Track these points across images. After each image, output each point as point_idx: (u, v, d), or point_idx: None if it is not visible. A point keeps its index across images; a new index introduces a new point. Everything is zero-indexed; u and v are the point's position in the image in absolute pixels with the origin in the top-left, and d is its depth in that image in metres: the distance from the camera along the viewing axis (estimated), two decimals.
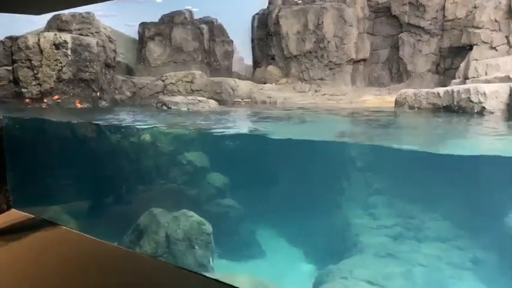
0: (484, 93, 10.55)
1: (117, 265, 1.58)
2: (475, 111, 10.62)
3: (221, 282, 1.35)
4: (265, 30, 22.60)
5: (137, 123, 12.10)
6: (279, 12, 21.42)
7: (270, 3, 22.69)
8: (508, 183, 8.17)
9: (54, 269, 1.54)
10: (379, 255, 8.86)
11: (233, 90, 19.76)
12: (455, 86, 12.31)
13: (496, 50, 15.47)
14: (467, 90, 10.90)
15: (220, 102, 18.34)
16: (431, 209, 9.35)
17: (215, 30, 24.03)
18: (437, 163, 8.60)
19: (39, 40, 15.35)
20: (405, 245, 9.07)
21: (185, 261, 8.85)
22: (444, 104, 11.65)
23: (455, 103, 11.20)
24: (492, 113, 10.41)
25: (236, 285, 1.36)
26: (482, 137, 9.08)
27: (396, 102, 13.69)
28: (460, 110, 11.06)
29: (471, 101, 10.73)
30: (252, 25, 23.76)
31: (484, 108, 10.50)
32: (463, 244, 8.79)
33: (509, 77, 11.78)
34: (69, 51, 15.47)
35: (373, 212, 10.13)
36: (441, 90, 12.20)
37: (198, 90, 19.54)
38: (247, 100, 19.86)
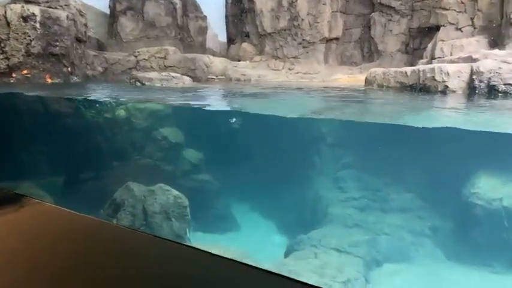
0: (447, 73, 11.09)
1: (96, 236, 1.54)
2: (439, 89, 11.18)
3: (200, 249, 1.35)
4: (239, 6, 22.49)
5: (112, 98, 12.08)
6: None
7: None
8: (465, 155, 8.78)
9: (30, 244, 1.48)
10: (346, 225, 9.41)
11: (207, 67, 19.77)
12: (421, 66, 12.84)
13: (462, 31, 16.09)
14: (432, 70, 11.42)
15: (194, 79, 18.34)
16: (395, 181, 9.93)
17: (188, 6, 23.72)
18: (401, 136, 9.11)
19: (5, 12, 14.84)
20: (371, 216, 9.65)
21: (162, 233, 9.13)
22: (410, 83, 12.16)
23: (420, 82, 11.73)
24: (454, 91, 10.99)
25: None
26: (442, 112, 9.64)
27: (366, 80, 14.14)
28: (425, 89, 11.60)
29: (435, 80, 11.27)
30: (226, 1, 23.57)
31: (447, 87, 11.06)
32: (423, 214, 9.44)
33: (471, 57, 12.36)
34: (37, 25, 15.05)
35: (342, 185, 10.65)
36: (408, 69, 12.70)
37: (171, 67, 19.44)
38: (221, 77, 19.92)
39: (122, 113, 11.32)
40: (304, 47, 20.95)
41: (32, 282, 1.29)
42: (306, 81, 19.37)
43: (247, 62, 21.51)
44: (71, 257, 1.41)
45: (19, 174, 10.49)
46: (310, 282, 1.09)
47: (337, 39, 21.73)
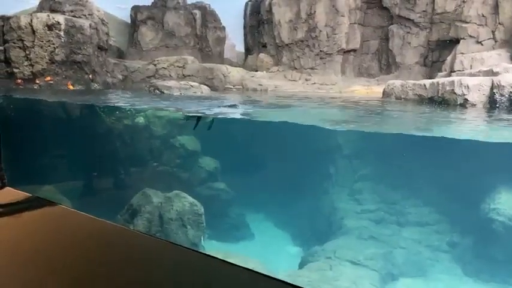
0: (467, 86, 10.97)
1: (114, 241, 1.56)
2: (458, 103, 11.06)
3: (215, 257, 1.35)
4: (257, 17, 22.71)
5: (134, 105, 12.28)
6: (271, 0, 21.54)
7: None
8: (484, 170, 8.64)
9: (50, 246, 1.51)
10: (362, 238, 9.32)
11: (225, 76, 19.96)
12: (440, 79, 12.74)
13: (482, 44, 15.92)
14: (452, 83, 11.32)
15: (212, 88, 18.53)
16: (413, 194, 9.81)
17: (208, 16, 24.05)
18: (421, 149, 9.03)
19: (31, 20, 15.30)
20: (387, 229, 9.55)
21: (177, 240, 9.19)
22: (429, 96, 12.06)
23: (439, 95, 11.62)
24: (474, 105, 10.86)
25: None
26: (464, 125, 9.52)
27: (384, 92, 14.08)
28: (443, 102, 11.49)
29: (455, 93, 11.16)
30: (245, 12, 23.83)
31: (466, 100, 10.94)
32: (441, 228, 9.29)
33: (492, 70, 12.21)
34: (62, 33, 15.47)
35: (357, 197, 10.57)
36: (427, 82, 12.60)
37: (189, 76, 19.69)
38: (238, 87, 20.08)
39: (140, 120, 11.51)
40: (321, 58, 20.99)
41: (50, 284, 1.33)
42: (322, 92, 19.37)
43: (264, 72, 21.63)
44: (88, 260, 1.43)
45: (40, 178, 10.71)
46: None
47: (354, 50, 21.71)
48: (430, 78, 16.00)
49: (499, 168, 8.61)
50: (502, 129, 8.88)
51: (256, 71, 21.69)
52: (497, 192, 8.74)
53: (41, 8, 16.78)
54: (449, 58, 16.66)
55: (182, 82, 15.90)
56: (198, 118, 9.82)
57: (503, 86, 10.52)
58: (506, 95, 10.43)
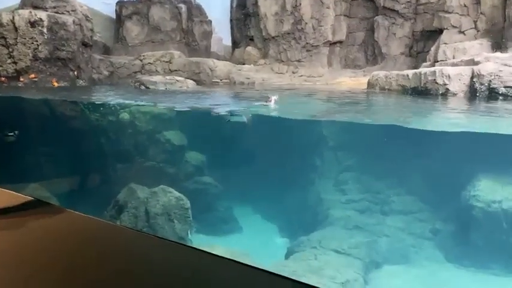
0: (449, 76, 11.14)
1: (104, 238, 1.58)
2: (440, 92, 11.22)
3: (200, 249, 1.38)
4: (244, 10, 22.68)
5: (116, 101, 12.28)
6: None
7: None
8: (465, 158, 8.82)
9: (40, 244, 1.53)
10: (346, 227, 9.48)
11: (211, 70, 19.95)
12: (423, 69, 12.89)
13: (465, 34, 16.11)
14: (433, 73, 11.47)
15: (199, 82, 18.52)
16: (396, 184, 9.98)
17: (193, 10, 23.95)
18: (402, 139, 9.17)
19: (13, 17, 15.12)
20: (372, 218, 9.71)
21: (164, 235, 9.26)
22: (412, 86, 12.22)
23: (422, 85, 11.78)
24: (455, 94, 11.03)
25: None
26: (444, 114, 9.69)
27: (368, 83, 14.22)
28: (426, 92, 11.65)
29: (436, 83, 11.32)
30: (231, 5, 23.77)
31: (448, 90, 11.11)
32: (423, 216, 9.48)
33: (473, 60, 12.39)
34: (45, 30, 15.31)
35: (343, 187, 10.72)
36: (410, 72, 12.76)
37: (176, 70, 19.64)
38: (225, 81, 20.09)
39: (125, 116, 11.50)
40: (307, 51, 21.06)
41: (44, 284, 1.35)
42: (309, 84, 19.46)
43: (252, 65, 21.65)
44: (80, 257, 1.45)
45: (25, 177, 10.69)
46: (310, 283, 1.10)
47: (340, 42, 21.82)
48: (416, 68, 16.16)
49: (478, 157, 8.79)
50: (479, 118, 9.06)
51: (244, 64, 21.70)
52: (477, 179, 8.93)
53: (23, 5, 16.59)
54: (433, 48, 16.83)
55: (168, 77, 15.89)
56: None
57: (483, 75, 10.70)
58: (486, 84, 10.62)
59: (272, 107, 10.66)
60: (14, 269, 1.35)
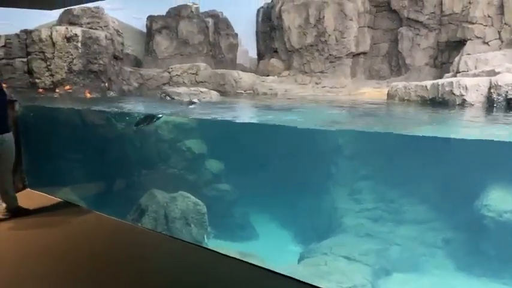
0: (466, 87, 11.16)
1: (126, 238, 1.87)
2: (457, 103, 11.24)
3: (217, 252, 1.68)
4: (268, 23, 23.22)
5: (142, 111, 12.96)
6: (281, 6, 22.01)
7: None
8: (478, 167, 8.84)
9: (69, 243, 1.65)
10: (358, 235, 9.64)
11: (236, 82, 20.53)
12: (441, 80, 12.92)
13: (489, 45, 15.95)
14: (450, 84, 11.51)
15: (224, 93, 19.12)
16: (409, 193, 10.06)
17: (220, 24, 24.72)
18: (415, 148, 9.29)
19: (51, 33, 16.27)
20: (384, 227, 9.83)
21: (182, 238, 9.73)
22: (430, 97, 12.27)
23: (439, 95, 11.82)
24: (472, 105, 11.03)
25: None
26: (460, 124, 9.74)
27: (388, 94, 14.34)
28: (444, 102, 11.69)
29: (453, 94, 11.35)
30: (257, 18, 24.38)
31: (465, 100, 11.12)
32: (435, 225, 9.51)
33: (494, 71, 12.32)
34: (79, 44, 16.37)
35: (357, 196, 10.88)
36: (428, 83, 12.81)
37: (202, 82, 20.35)
38: (249, 92, 20.61)
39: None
40: (331, 62, 21.30)
41: (72, 280, 1.60)
42: (331, 94, 19.68)
43: (275, 76, 22.09)
44: (104, 255, 1.71)
45: (57, 181, 11.45)
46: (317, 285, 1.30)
47: (364, 53, 21.91)
48: (439, 79, 16.10)
49: (491, 166, 8.79)
50: (495, 128, 9.06)
51: (268, 75, 22.17)
52: (489, 189, 8.91)
53: (60, 21, 17.77)
54: (456, 59, 16.72)
55: (192, 88, 16.55)
56: (152, 117, 10.53)
57: (500, 86, 10.66)
58: (503, 95, 10.58)
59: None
60: (47, 265, 1.65)
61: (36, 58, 16.41)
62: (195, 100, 12.28)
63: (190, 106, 12.11)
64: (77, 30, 16.47)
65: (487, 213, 8.58)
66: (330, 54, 21.06)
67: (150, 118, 10.87)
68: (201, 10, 24.74)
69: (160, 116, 11.17)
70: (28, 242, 1.93)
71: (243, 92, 20.46)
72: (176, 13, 24.10)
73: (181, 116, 11.24)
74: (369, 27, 21.94)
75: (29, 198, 2.44)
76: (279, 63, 22.57)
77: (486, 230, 8.58)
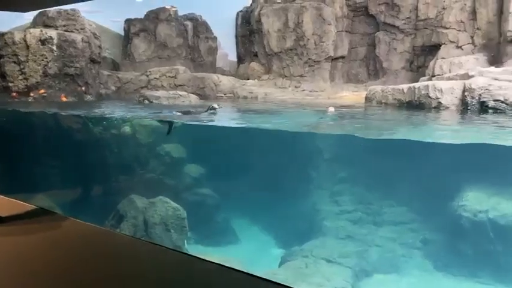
0: (441, 90, 11.41)
1: (104, 244, 1.66)
2: (433, 106, 11.49)
3: (197, 257, 1.49)
4: (248, 27, 23.27)
5: (119, 115, 12.77)
6: (260, 10, 22.10)
7: (252, 1, 23.35)
8: (454, 169, 9.04)
9: (43, 251, 1.59)
10: (339, 237, 9.70)
11: (216, 85, 20.46)
12: (417, 83, 13.19)
13: (462, 49, 16.39)
14: (426, 87, 11.76)
15: (203, 97, 19.01)
16: (388, 195, 10.20)
17: (199, 27, 24.64)
18: (393, 151, 9.43)
19: (25, 36, 15.86)
20: (363, 228, 9.92)
21: (162, 244, 9.58)
22: (407, 100, 12.50)
23: (416, 98, 12.06)
24: (447, 108, 11.28)
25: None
26: (434, 127, 9.94)
27: (366, 98, 14.53)
28: (420, 105, 11.92)
29: (429, 97, 11.60)
30: (236, 22, 24.39)
31: (440, 103, 11.37)
32: (414, 226, 9.67)
33: (468, 74, 12.65)
34: (54, 47, 16.01)
35: (337, 199, 10.95)
36: (405, 86, 13.05)
37: (181, 85, 20.18)
38: (229, 95, 20.56)
39: (127, 129, 11.97)
40: (310, 66, 21.49)
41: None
42: (310, 98, 19.83)
43: (255, 80, 22.13)
44: (80, 261, 1.58)
45: (30, 187, 11.13)
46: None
47: (343, 57, 22.22)
48: (416, 82, 16.44)
49: (466, 167, 8.99)
50: (468, 130, 9.29)
51: (248, 79, 22.20)
52: (464, 190, 9.12)
53: (34, 24, 17.36)
54: (431, 63, 17.12)
55: (171, 92, 16.40)
56: (170, 123, 10.34)
57: (474, 89, 10.95)
58: (477, 97, 10.86)
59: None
60: (17, 274, 1.57)
61: (10, 61, 15.95)
62: (215, 105, 12.12)
63: (210, 111, 11.97)
64: (52, 33, 16.11)
65: (463, 213, 8.78)
66: (309, 58, 21.25)
67: (170, 124, 10.73)
68: (180, 13, 24.61)
69: (177, 122, 11.05)
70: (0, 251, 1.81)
71: (223, 95, 20.40)
72: (154, 16, 23.89)
73: (198, 123, 11.13)
74: (346, 31, 22.26)
75: (1, 205, 2.29)
76: (259, 67, 22.64)
77: (462, 230, 8.77)
